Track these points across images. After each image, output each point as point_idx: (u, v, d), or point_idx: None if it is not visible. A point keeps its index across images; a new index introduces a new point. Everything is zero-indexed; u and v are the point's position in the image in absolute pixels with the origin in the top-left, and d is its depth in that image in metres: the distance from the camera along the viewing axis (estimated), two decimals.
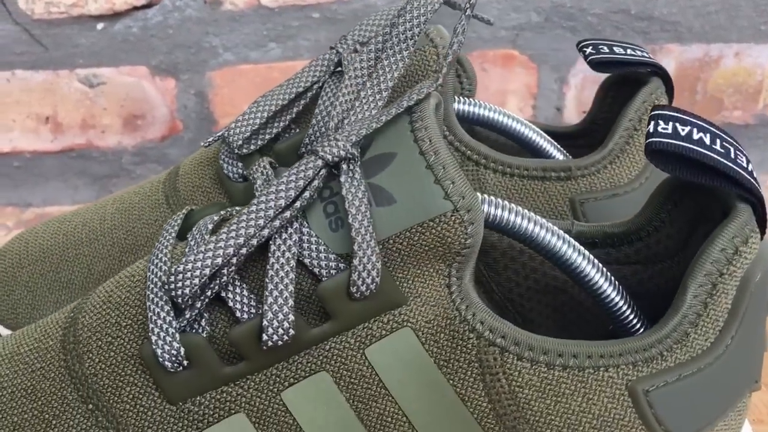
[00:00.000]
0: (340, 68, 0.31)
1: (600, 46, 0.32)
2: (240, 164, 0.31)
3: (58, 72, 0.57)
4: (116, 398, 0.23)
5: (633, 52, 0.32)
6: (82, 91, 0.58)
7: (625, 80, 0.34)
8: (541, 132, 0.33)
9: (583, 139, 0.36)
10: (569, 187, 0.32)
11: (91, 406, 0.23)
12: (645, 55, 0.32)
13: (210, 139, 0.30)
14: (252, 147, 0.30)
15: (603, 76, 0.35)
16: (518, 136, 0.33)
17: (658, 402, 0.22)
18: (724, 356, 0.22)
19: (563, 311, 0.28)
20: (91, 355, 0.23)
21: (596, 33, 0.55)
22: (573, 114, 0.56)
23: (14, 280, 0.34)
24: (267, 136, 0.30)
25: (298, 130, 0.31)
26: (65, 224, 0.35)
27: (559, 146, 0.33)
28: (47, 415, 0.24)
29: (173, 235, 0.25)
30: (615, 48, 0.32)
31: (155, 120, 0.58)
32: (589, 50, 0.32)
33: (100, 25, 0.56)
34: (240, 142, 0.29)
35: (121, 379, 0.23)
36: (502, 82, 0.56)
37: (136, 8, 0.55)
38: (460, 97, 0.33)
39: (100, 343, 0.23)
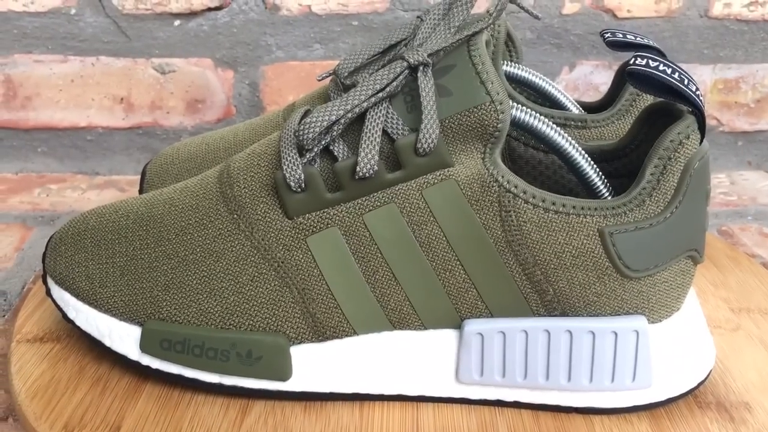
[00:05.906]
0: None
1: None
2: (344, 94, 0.42)
3: (137, 60, 0.66)
4: (253, 211, 0.34)
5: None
6: (155, 77, 0.66)
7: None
8: (567, 94, 0.44)
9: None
10: (584, 134, 0.42)
11: (235, 216, 0.35)
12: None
13: (323, 73, 0.42)
14: (354, 79, 0.41)
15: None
16: (549, 95, 0.44)
17: (618, 242, 0.32)
18: (670, 219, 0.32)
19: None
20: (239, 183, 0.35)
21: (577, 50, 0.66)
22: None
23: (166, 173, 0.46)
24: (366, 73, 0.42)
25: None
26: (207, 138, 0.47)
27: (578, 105, 0.44)
28: (205, 221, 0.35)
29: (298, 118, 0.36)
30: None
31: (213, 104, 0.67)
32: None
33: (177, 22, 0.65)
34: (346, 74, 0.41)
35: (258, 198, 0.34)
36: None
37: (210, 9, 0.65)
38: (507, 61, 0.44)
39: (245, 176, 0.35)
